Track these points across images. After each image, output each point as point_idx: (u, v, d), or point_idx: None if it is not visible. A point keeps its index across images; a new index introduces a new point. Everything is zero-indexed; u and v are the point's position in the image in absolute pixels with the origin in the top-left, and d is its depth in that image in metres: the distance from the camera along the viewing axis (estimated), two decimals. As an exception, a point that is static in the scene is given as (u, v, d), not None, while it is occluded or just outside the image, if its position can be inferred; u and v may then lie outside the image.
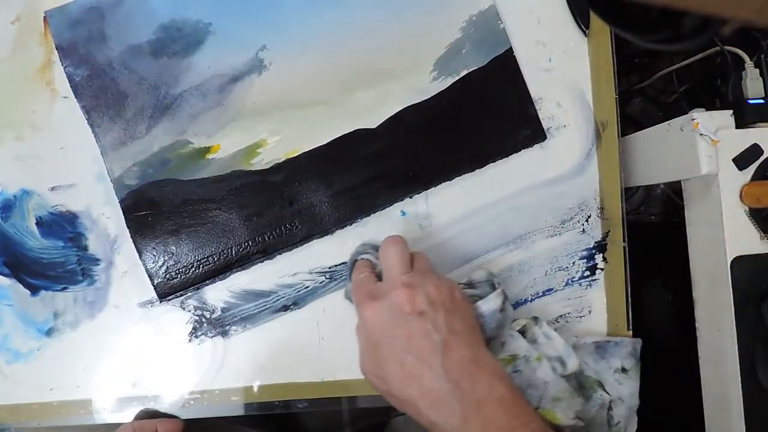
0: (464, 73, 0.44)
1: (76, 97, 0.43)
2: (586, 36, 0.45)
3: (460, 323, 0.33)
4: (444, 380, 0.31)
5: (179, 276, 0.43)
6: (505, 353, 0.38)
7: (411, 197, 0.44)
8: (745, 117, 0.41)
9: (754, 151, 0.41)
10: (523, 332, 0.39)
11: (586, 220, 0.45)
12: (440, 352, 0.32)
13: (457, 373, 0.31)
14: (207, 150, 0.43)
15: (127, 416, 0.43)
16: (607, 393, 0.41)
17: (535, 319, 0.40)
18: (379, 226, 0.44)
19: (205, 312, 0.43)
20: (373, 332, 0.34)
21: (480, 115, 0.44)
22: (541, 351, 0.39)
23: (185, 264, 0.43)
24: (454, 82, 0.44)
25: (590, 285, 0.45)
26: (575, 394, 0.38)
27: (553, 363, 0.38)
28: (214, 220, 0.43)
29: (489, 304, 0.37)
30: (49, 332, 0.43)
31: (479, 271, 0.41)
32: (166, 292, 0.43)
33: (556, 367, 0.38)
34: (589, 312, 0.45)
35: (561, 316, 0.45)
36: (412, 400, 0.32)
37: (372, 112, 0.44)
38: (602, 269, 0.45)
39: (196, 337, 0.43)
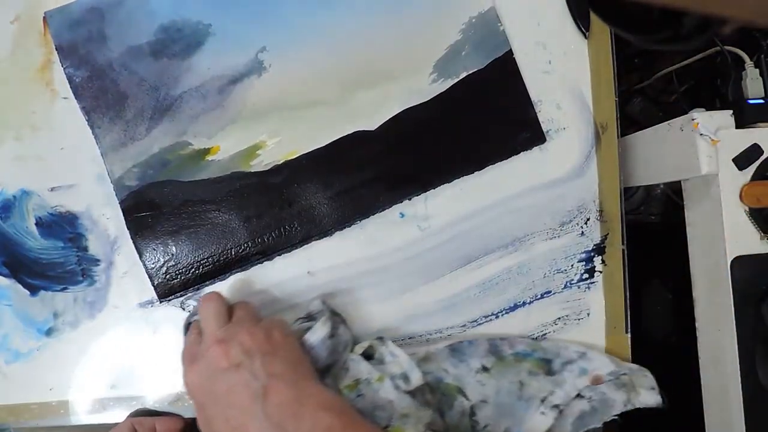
0: (464, 74, 0.44)
1: (76, 98, 0.43)
2: (586, 38, 0.45)
3: (279, 365, 0.33)
4: (268, 427, 0.31)
5: (179, 277, 0.43)
6: (348, 379, 0.38)
7: (410, 199, 0.44)
8: (745, 117, 0.41)
9: (754, 151, 0.41)
10: (369, 354, 0.40)
11: (585, 223, 0.45)
12: (261, 399, 0.32)
13: (278, 417, 0.31)
14: (207, 151, 0.43)
15: (126, 416, 0.43)
16: (467, 398, 0.41)
17: (381, 339, 0.40)
18: (378, 228, 0.44)
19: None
20: (196, 394, 0.34)
21: (479, 117, 0.44)
22: (385, 370, 0.39)
23: (185, 265, 0.43)
24: (454, 84, 0.44)
25: (589, 288, 0.45)
26: (422, 408, 0.37)
27: (396, 381, 0.38)
28: (214, 222, 0.43)
29: (317, 335, 0.37)
30: (48, 332, 0.43)
31: (315, 302, 0.41)
32: (166, 292, 0.43)
33: (399, 384, 0.38)
34: (588, 315, 0.45)
35: (559, 318, 0.45)
36: None
37: (371, 114, 0.44)
38: (601, 272, 0.45)
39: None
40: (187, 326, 0.40)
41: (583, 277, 0.45)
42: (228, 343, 0.34)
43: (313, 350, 0.37)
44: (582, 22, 0.45)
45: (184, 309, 0.43)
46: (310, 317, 0.40)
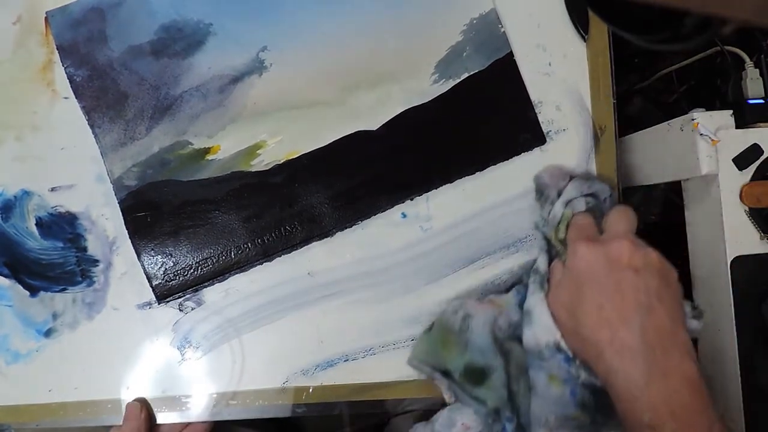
0: (465, 75, 0.44)
1: (76, 98, 0.43)
2: (584, 41, 0.45)
3: (668, 296, 0.34)
4: (639, 339, 0.31)
5: (178, 278, 0.42)
6: None
7: (412, 199, 0.44)
8: (745, 117, 0.41)
9: (754, 151, 0.41)
10: None
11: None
12: (644, 313, 0.32)
13: (652, 338, 0.31)
14: (207, 151, 0.43)
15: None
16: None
17: None
18: (379, 229, 0.44)
19: (202, 315, 0.43)
20: (581, 270, 0.35)
21: (480, 117, 0.44)
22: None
23: (184, 265, 0.42)
24: (455, 85, 0.44)
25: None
26: None
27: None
28: (214, 222, 0.43)
29: (695, 325, 0.37)
30: (48, 333, 0.43)
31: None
32: (164, 293, 0.42)
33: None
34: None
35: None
36: (598, 342, 0.32)
37: (373, 114, 0.44)
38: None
39: (194, 339, 0.43)
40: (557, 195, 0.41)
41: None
42: (638, 247, 0.34)
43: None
44: (581, 26, 0.45)
45: (182, 311, 0.43)
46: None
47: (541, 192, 0.43)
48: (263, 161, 0.43)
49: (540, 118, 0.45)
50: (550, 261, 0.40)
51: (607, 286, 0.33)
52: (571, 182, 0.41)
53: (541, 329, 0.36)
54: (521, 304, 0.40)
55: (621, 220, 0.37)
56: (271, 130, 0.43)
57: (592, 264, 0.34)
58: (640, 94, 0.58)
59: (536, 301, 0.38)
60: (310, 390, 0.43)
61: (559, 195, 0.41)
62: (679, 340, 0.32)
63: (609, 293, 0.33)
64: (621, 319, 0.32)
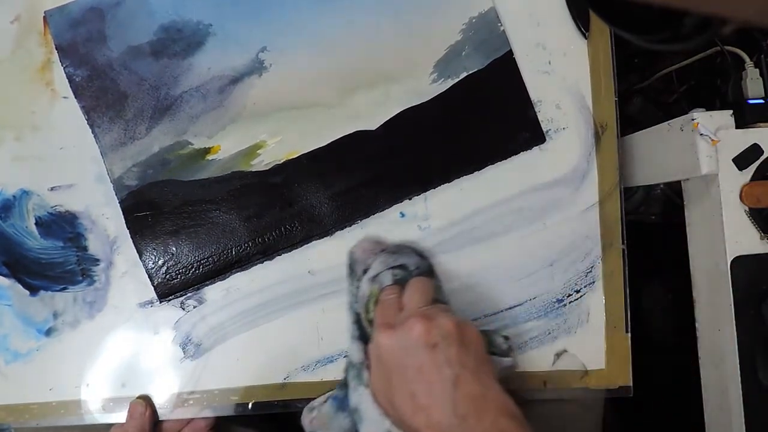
0: (464, 75, 0.44)
1: (76, 98, 0.43)
2: (585, 38, 0.45)
3: (472, 359, 0.33)
4: (452, 414, 0.31)
5: (179, 276, 0.43)
6: None
7: (410, 199, 0.44)
8: (745, 117, 0.41)
9: (754, 151, 0.41)
10: None
11: (585, 223, 0.45)
12: (451, 386, 0.32)
13: (464, 409, 0.31)
14: (207, 151, 0.43)
15: (125, 417, 0.43)
16: None
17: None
18: (378, 228, 0.44)
19: (204, 313, 0.43)
20: (385, 360, 0.34)
21: (479, 117, 0.44)
22: None
23: (185, 264, 0.43)
24: (454, 84, 0.44)
25: (589, 287, 0.45)
26: None
27: None
28: (214, 221, 0.43)
29: (504, 364, 0.37)
30: (48, 332, 0.43)
31: (501, 340, 0.40)
32: (165, 292, 0.43)
33: None
34: (588, 314, 0.45)
35: (559, 318, 0.45)
36: (419, 428, 0.32)
37: (372, 114, 0.44)
38: (600, 272, 0.45)
39: (196, 337, 0.43)
40: (356, 271, 0.39)
41: (583, 277, 0.45)
42: (430, 321, 0.34)
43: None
44: (581, 23, 0.45)
45: (184, 309, 0.43)
46: (491, 345, 0.39)
47: (351, 269, 0.41)
48: (263, 161, 0.43)
49: (540, 117, 0.45)
50: (366, 344, 0.37)
51: (411, 372, 0.33)
52: (377, 256, 0.40)
53: (372, 424, 0.35)
54: (343, 406, 0.37)
55: (415, 294, 0.37)
56: (270, 130, 0.43)
57: (392, 352, 0.34)
58: (640, 94, 0.58)
59: (359, 397, 0.36)
60: (313, 385, 0.43)
61: (365, 271, 0.39)
62: (490, 399, 0.32)
63: (415, 379, 0.33)
64: (431, 401, 0.32)
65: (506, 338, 0.40)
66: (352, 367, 0.37)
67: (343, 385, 0.37)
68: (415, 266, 0.40)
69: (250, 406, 0.43)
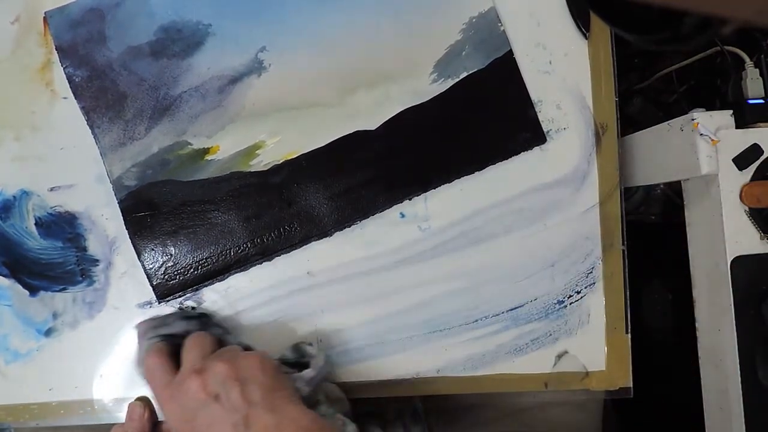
0: (464, 75, 0.44)
1: (75, 98, 0.43)
2: (586, 38, 0.45)
3: (257, 392, 0.33)
4: None
5: (178, 277, 0.43)
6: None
7: (410, 199, 0.44)
8: (745, 117, 0.41)
9: (754, 151, 0.41)
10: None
11: (586, 223, 0.45)
12: (243, 429, 0.32)
13: None
14: (206, 151, 0.43)
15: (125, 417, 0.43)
16: None
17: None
18: (378, 228, 0.44)
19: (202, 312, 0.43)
20: (176, 425, 0.34)
21: (479, 117, 0.44)
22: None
23: (184, 265, 0.43)
24: (454, 84, 0.44)
25: (589, 288, 0.45)
26: None
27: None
28: (213, 222, 0.43)
29: (306, 376, 0.37)
30: (48, 332, 0.43)
31: (309, 347, 0.40)
32: (165, 293, 0.43)
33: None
34: (588, 315, 0.45)
35: (559, 319, 0.45)
36: None
37: (371, 114, 0.43)
38: (601, 273, 0.45)
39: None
40: (149, 337, 0.39)
41: (583, 278, 0.45)
42: (204, 373, 0.33)
43: (298, 388, 0.36)
44: (582, 23, 0.45)
45: (183, 310, 0.43)
46: (300, 358, 0.39)
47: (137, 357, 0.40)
48: (262, 161, 0.43)
49: (540, 117, 0.44)
50: None
51: (202, 428, 0.32)
52: (144, 334, 0.40)
53: None
54: None
55: (189, 352, 0.36)
56: (270, 131, 0.43)
57: (178, 416, 0.34)
58: (640, 94, 0.58)
59: None
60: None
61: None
62: (286, 425, 0.32)
63: None
64: None
65: (311, 344, 0.39)
66: None
67: None
68: (183, 329, 0.39)
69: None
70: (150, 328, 0.40)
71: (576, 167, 0.45)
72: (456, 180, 0.44)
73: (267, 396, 0.33)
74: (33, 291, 0.43)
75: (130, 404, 0.42)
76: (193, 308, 0.42)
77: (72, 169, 0.43)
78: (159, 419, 0.42)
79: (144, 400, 0.42)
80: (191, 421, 0.33)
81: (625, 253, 0.45)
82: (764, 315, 0.40)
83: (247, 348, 0.39)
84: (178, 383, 0.34)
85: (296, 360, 0.39)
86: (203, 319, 0.41)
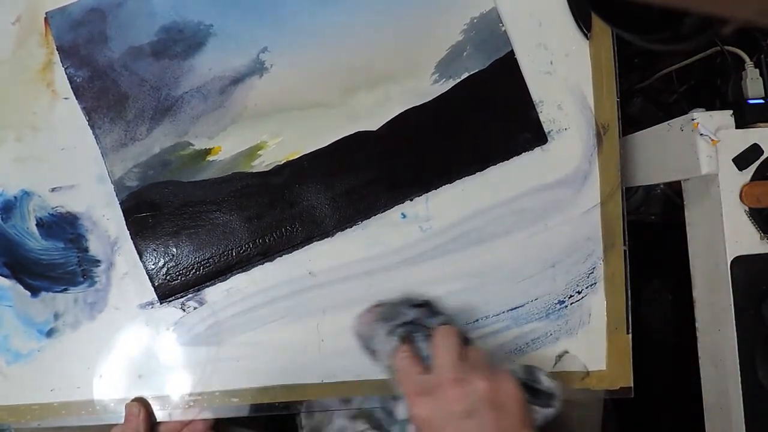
0: (465, 75, 0.44)
1: (76, 99, 0.43)
2: (587, 39, 0.45)
3: (509, 421, 0.33)
4: None
5: (180, 277, 0.43)
6: None
7: (411, 200, 0.44)
8: (745, 117, 0.41)
9: (754, 151, 0.41)
10: None
11: (587, 224, 0.45)
12: None
13: None
14: (208, 152, 0.43)
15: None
16: None
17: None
18: (379, 229, 0.44)
19: (204, 314, 0.43)
20: (423, 428, 0.34)
21: (481, 117, 0.44)
22: None
23: (186, 265, 0.43)
24: (455, 85, 0.44)
25: (590, 288, 0.45)
26: None
27: None
28: (215, 222, 0.43)
29: (547, 413, 0.36)
30: (49, 333, 0.43)
31: (545, 378, 0.39)
32: (166, 293, 0.43)
33: None
34: (589, 315, 0.45)
35: (560, 319, 0.45)
36: None
37: (373, 115, 0.44)
38: (602, 273, 0.45)
39: (196, 338, 0.43)
40: (392, 334, 0.38)
41: (584, 278, 0.45)
42: (463, 386, 0.33)
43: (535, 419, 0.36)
44: (583, 23, 0.45)
45: (184, 310, 0.43)
46: (532, 382, 0.38)
47: (366, 347, 0.40)
48: (264, 162, 0.43)
49: (541, 118, 0.45)
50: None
51: None
52: (376, 326, 0.39)
53: None
54: None
55: (442, 351, 0.35)
56: (271, 131, 0.43)
57: (430, 422, 0.33)
58: (640, 94, 0.58)
59: None
60: (313, 387, 0.43)
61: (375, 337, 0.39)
62: None
63: None
64: None
65: (551, 376, 0.38)
66: (396, 423, 0.37)
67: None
68: (413, 318, 0.39)
69: (250, 407, 0.43)
70: (382, 318, 0.39)
71: (577, 167, 0.45)
72: (457, 180, 0.44)
73: (514, 425, 0.33)
74: (34, 292, 0.43)
75: (127, 404, 0.42)
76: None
77: (73, 169, 0.43)
78: (156, 420, 0.42)
79: (141, 401, 0.42)
80: (440, 429, 0.33)
81: (627, 253, 0.45)
82: (764, 315, 0.41)
83: (466, 339, 0.37)
84: (434, 386, 0.34)
85: (526, 381, 0.38)
86: (430, 307, 0.41)
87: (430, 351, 0.36)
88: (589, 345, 0.45)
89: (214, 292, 0.43)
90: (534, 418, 0.36)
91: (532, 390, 0.37)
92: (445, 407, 0.33)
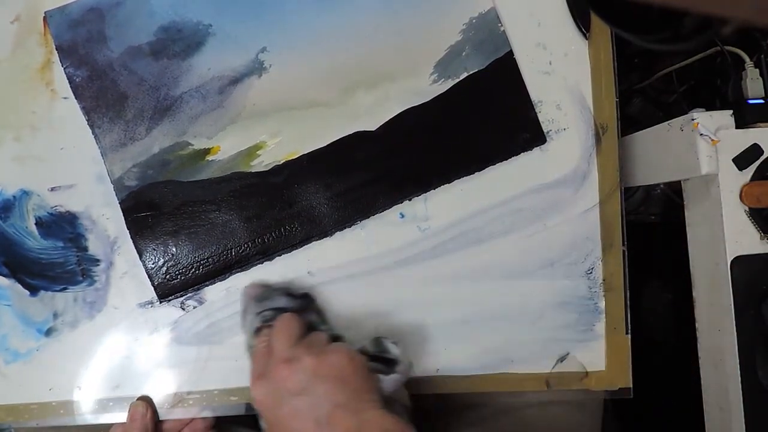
0: (464, 75, 0.44)
1: (76, 98, 0.43)
2: (586, 39, 0.45)
3: (342, 393, 0.33)
4: None
5: (179, 277, 0.43)
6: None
7: (410, 200, 0.44)
8: (745, 117, 0.41)
9: (754, 151, 0.41)
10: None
11: (586, 224, 0.45)
12: (324, 428, 0.32)
13: None
14: (207, 151, 0.43)
15: (125, 417, 0.43)
16: None
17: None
18: (378, 228, 0.44)
19: (204, 313, 0.43)
20: (262, 410, 0.35)
21: (479, 117, 0.44)
22: None
23: (185, 265, 0.43)
24: (454, 85, 0.44)
25: (589, 289, 0.45)
26: None
27: None
28: (214, 222, 0.43)
29: (393, 381, 0.36)
30: (48, 332, 0.43)
31: (392, 345, 0.39)
32: (166, 292, 0.43)
33: None
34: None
35: (559, 319, 0.45)
36: None
37: (372, 114, 0.44)
38: (601, 273, 0.45)
39: (195, 338, 0.43)
40: (258, 329, 0.39)
41: (584, 278, 0.45)
42: (293, 365, 0.34)
43: (381, 388, 0.36)
44: (582, 23, 0.45)
45: (184, 309, 0.43)
46: (382, 353, 0.38)
47: (241, 316, 0.41)
48: (263, 162, 0.43)
49: (540, 118, 0.45)
50: None
51: (285, 419, 0.33)
52: (249, 304, 0.40)
53: None
54: None
55: (278, 335, 0.36)
56: (270, 131, 0.43)
57: (265, 403, 0.34)
58: (640, 94, 0.58)
59: None
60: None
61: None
62: (368, 426, 0.32)
63: (290, 425, 0.33)
64: None
65: (395, 342, 0.38)
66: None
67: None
68: (283, 306, 0.39)
69: (246, 405, 0.43)
70: (256, 300, 0.40)
71: (576, 167, 0.45)
72: (456, 180, 0.44)
73: (352, 397, 0.33)
74: (33, 291, 0.43)
75: (132, 404, 0.42)
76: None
77: (72, 169, 0.43)
78: (160, 419, 0.42)
79: (146, 400, 0.42)
80: (275, 409, 0.33)
81: (626, 253, 0.45)
82: (764, 315, 0.41)
83: (335, 338, 0.38)
84: (269, 370, 0.35)
85: (376, 353, 0.38)
86: (305, 301, 0.41)
87: (271, 340, 0.36)
88: (589, 345, 0.45)
89: (213, 292, 0.43)
90: (380, 387, 0.35)
91: (385, 360, 0.37)
92: (278, 386, 0.33)
